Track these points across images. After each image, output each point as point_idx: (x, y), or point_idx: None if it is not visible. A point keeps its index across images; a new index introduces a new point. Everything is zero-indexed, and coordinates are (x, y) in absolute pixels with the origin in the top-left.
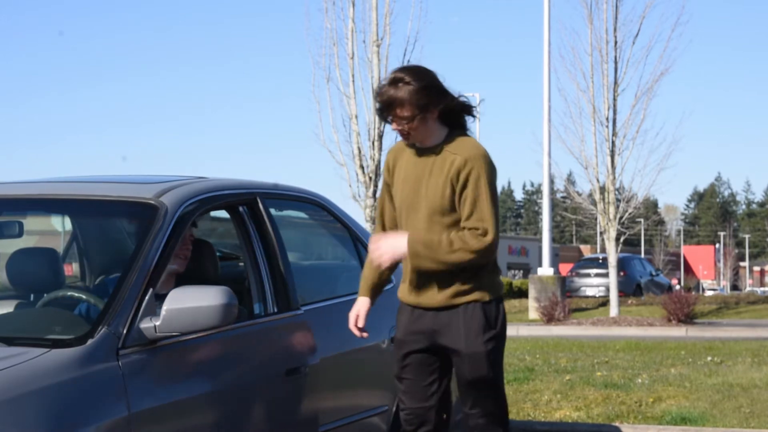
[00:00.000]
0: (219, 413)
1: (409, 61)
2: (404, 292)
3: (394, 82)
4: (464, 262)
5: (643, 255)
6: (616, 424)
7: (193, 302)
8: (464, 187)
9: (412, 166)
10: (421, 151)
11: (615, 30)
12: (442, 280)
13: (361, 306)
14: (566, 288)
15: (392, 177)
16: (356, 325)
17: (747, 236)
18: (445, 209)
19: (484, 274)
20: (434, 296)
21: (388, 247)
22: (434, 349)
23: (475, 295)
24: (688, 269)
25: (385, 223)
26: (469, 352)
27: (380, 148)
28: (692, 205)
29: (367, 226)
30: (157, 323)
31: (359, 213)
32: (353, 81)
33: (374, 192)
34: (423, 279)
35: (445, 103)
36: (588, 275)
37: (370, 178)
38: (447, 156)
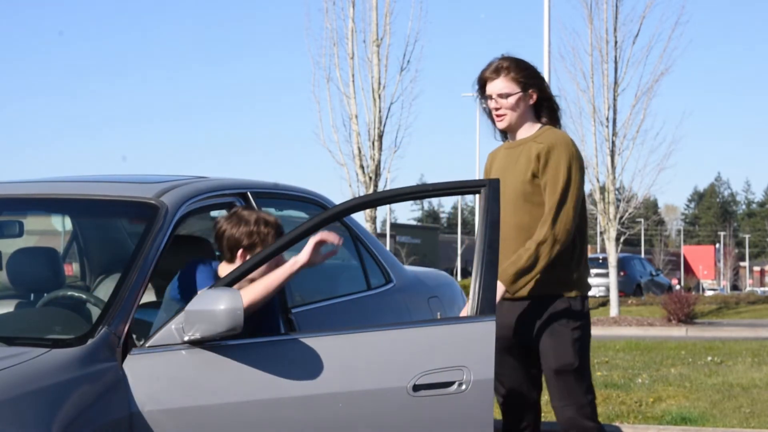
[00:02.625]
0: (219, 414)
1: (409, 61)
2: (550, 278)
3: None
4: (548, 256)
5: (643, 255)
6: (616, 424)
7: (195, 303)
8: (544, 173)
9: (502, 159)
10: (512, 146)
11: (615, 30)
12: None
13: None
14: None
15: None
16: None
17: (747, 236)
18: (528, 193)
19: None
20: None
21: None
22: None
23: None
24: (688, 269)
25: None
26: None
27: (380, 148)
28: (692, 205)
29: (367, 225)
30: (156, 323)
31: (359, 213)
32: (353, 81)
33: (374, 192)
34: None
35: (542, 86)
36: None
37: (370, 178)
38: (533, 145)
